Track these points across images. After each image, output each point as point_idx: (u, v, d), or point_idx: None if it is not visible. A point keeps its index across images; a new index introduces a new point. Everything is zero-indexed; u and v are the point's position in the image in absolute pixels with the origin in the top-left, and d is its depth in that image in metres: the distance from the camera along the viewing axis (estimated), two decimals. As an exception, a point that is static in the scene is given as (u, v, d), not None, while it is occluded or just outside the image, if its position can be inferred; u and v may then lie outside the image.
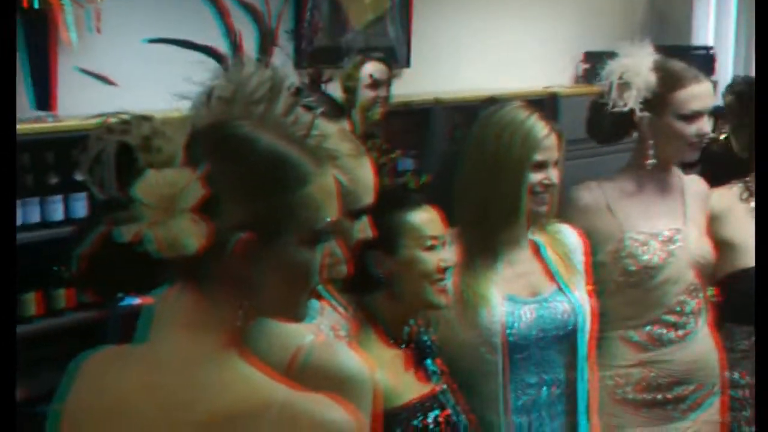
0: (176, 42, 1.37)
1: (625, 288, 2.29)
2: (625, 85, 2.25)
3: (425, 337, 1.84)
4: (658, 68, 2.27)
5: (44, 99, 2.90)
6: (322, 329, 1.41)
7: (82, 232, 1.07)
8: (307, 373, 1.15)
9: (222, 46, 1.43)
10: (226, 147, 1.05)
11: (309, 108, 1.16)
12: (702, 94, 2.25)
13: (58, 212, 2.80)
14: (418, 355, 1.80)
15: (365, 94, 3.41)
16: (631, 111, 2.26)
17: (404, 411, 1.72)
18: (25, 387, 2.86)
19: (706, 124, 2.26)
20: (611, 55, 2.35)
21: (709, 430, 2.35)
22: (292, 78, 1.18)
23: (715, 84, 3.97)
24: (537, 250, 2.07)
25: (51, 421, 1.15)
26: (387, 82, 3.58)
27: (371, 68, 3.51)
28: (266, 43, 1.29)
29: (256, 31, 1.37)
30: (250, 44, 1.62)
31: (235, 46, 1.24)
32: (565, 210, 2.24)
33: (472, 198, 2.00)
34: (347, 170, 1.38)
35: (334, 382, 1.14)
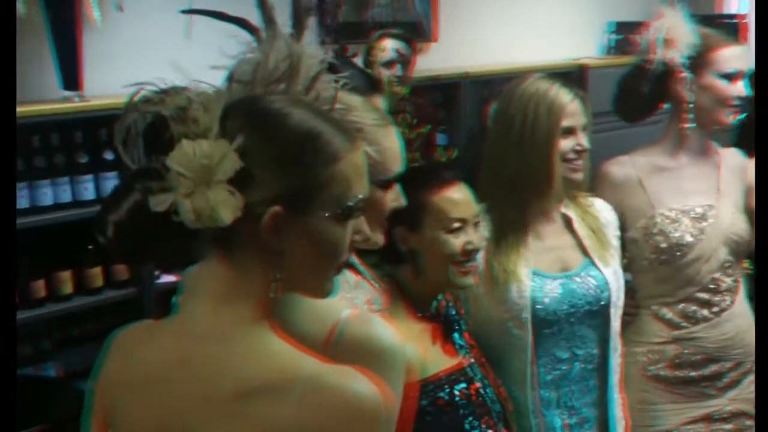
0: (210, 13, 1.36)
1: (656, 265, 2.27)
2: (669, 42, 2.23)
3: (452, 311, 1.84)
4: (697, 30, 2.25)
5: (71, 79, 2.91)
6: (357, 304, 1.41)
7: (116, 199, 1.08)
8: (342, 345, 1.16)
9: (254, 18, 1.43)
10: (260, 121, 1.05)
11: (338, 82, 1.16)
12: (741, 54, 2.25)
13: (89, 191, 2.82)
14: (446, 329, 1.80)
15: (382, 72, 3.38)
16: (670, 73, 2.23)
17: (431, 383, 1.73)
18: (62, 364, 2.90)
19: (745, 87, 2.23)
20: (643, 24, 2.32)
21: (749, 408, 2.32)
22: (321, 53, 1.17)
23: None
24: (568, 223, 2.06)
25: (89, 396, 1.16)
26: (406, 59, 3.52)
27: (388, 45, 3.46)
28: (301, 15, 1.28)
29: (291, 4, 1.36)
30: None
31: (269, 18, 1.23)
32: (596, 185, 2.22)
33: (501, 173, 1.99)
34: (373, 141, 1.39)
35: (368, 354, 1.14)
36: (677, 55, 2.24)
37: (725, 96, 2.24)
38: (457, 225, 1.76)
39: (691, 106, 2.25)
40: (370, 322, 1.20)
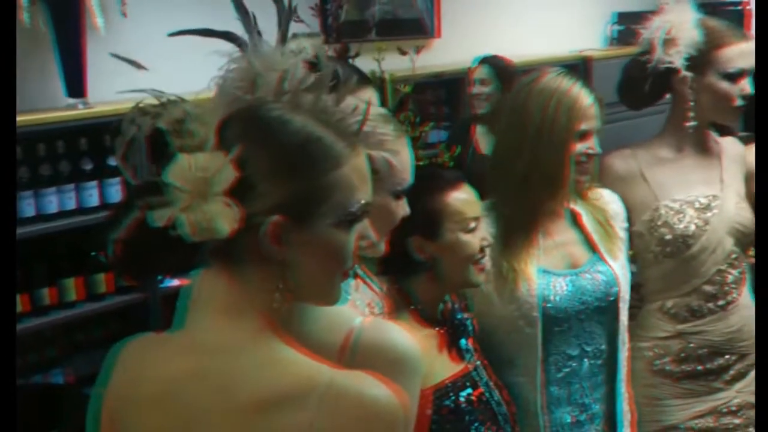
0: (197, 32, 1.36)
1: (662, 258, 2.25)
2: (671, 41, 2.20)
3: (459, 315, 1.82)
4: (701, 25, 2.21)
5: (76, 86, 2.92)
6: (357, 306, 1.40)
7: (118, 216, 1.07)
8: (359, 353, 1.14)
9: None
10: (259, 130, 1.04)
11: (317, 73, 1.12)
12: (746, 52, 2.17)
13: (93, 198, 2.83)
14: (453, 335, 1.79)
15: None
16: (672, 71, 2.20)
17: (437, 391, 1.71)
18: (70, 371, 2.91)
19: (749, 84, 2.19)
20: (646, 14, 2.29)
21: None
22: (293, 56, 1.15)
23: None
24: (576, 218, 2.03)
25: (92, 404, 1.16)
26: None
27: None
28: (284, 19, 1.27)
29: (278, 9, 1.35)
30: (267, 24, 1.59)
31: (251, 27, 1.22)
32: (600, 179, 2.20)
33: (512, 169, 1.95)
34: (395, 152, 1.38)
35: (385, 361, 1.13)
36: (678, 56, 2.20)
37: (728, 96, 2.18)
38: (473, 225, 1.75)
39: (692, 104, 2.23)
40: (386, 329, 1.19)
